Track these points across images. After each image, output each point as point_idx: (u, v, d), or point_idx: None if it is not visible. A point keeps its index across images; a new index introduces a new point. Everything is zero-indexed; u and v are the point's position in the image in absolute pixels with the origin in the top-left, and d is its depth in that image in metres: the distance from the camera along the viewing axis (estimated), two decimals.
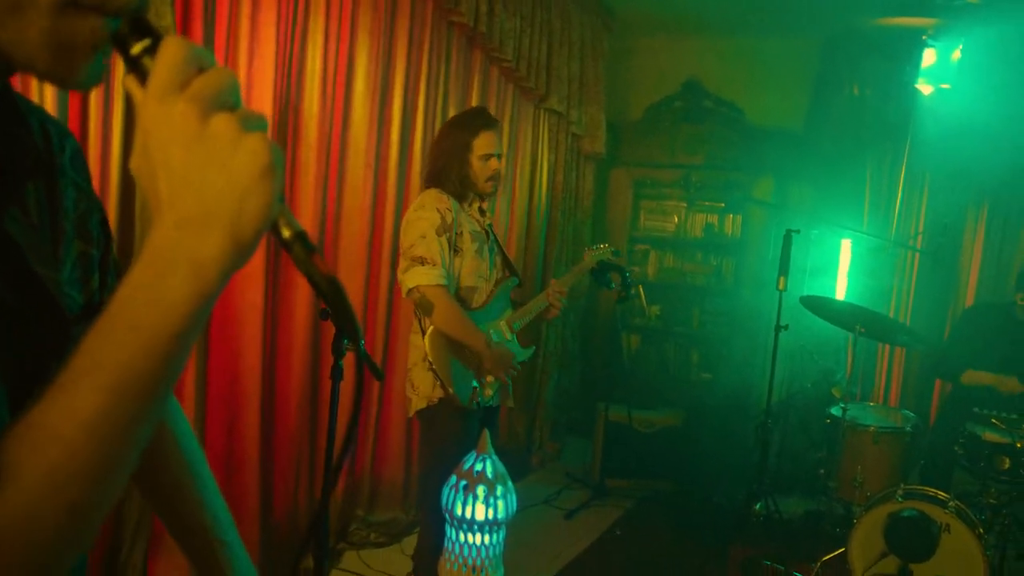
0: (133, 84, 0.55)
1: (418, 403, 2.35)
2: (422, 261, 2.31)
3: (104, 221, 0.79)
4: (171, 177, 0.52)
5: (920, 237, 4.41)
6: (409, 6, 3.02)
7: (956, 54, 4.01)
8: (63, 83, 0.57)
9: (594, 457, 4.22)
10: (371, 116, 2.87)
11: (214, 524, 0.86)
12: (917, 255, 4.42)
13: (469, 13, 3.20)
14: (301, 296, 2.68)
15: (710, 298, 4.83)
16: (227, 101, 0.52)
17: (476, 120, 2.52)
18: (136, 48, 0.54)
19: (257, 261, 2.47)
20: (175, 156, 0.51)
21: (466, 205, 2.49)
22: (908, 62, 4.28)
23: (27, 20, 0.53)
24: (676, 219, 4.88)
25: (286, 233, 0.54)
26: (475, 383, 2.37)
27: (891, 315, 4.38)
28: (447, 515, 0.89)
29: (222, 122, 0.51)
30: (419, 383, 2.36)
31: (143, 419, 0.53)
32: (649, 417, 4.19)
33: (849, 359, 4.19)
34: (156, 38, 0.55)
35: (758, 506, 3.60)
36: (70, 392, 0.51)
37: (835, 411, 3.32)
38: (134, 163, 0.55)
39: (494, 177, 2.49)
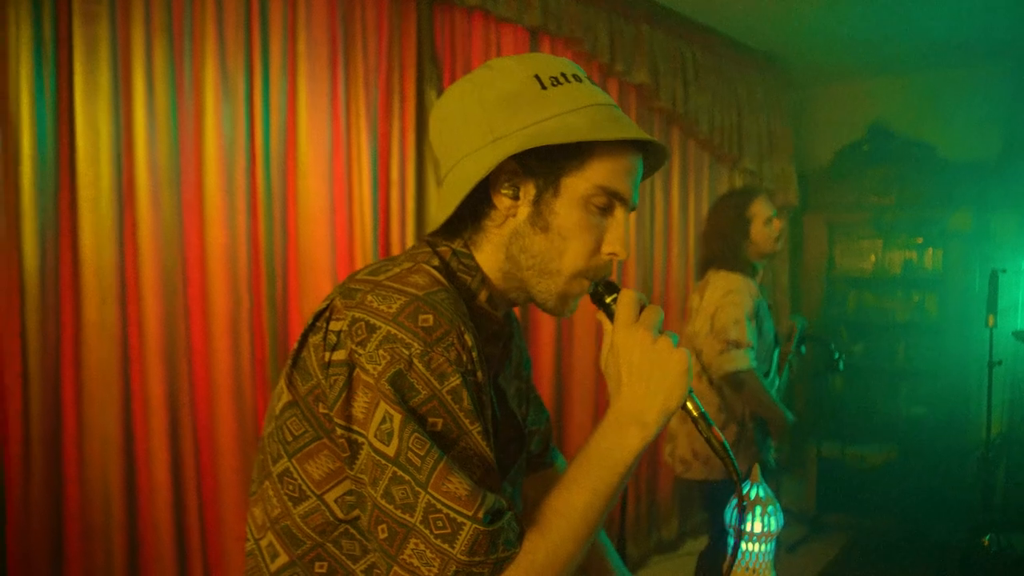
0: (603, 317, 0.97)
1: (707, 473, 2.64)
2: (737, 345, 2.53)
3: (528, 361, 1.22)
4: (631, 371, 0.89)
5: None
6: (616, 97, 3.56)
7: None
8: (556, 314, 0.99)
9: (807, 493, 4.45)
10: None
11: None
12: None
13: (667, 98, 3.71)
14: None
15: (915, 333, 4.92)
16: (660, 324, 0.92)
17: (744, 193, 2.79)
18: (609, 299, 0.97)
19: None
20: (635, 359, 0.89)
21: (757, 282, 2.69)
22: None
23: (553, 282, 0.96)
24: (873, 258, 5.05)
25: (694, 412, 0.91)
26: (770, 446, 2.72)
27: None
28: (731, 529, 1.20)
29: (664, 342, 0.89)
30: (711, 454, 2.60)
31: (604, 512, 0.88)
32: (861, 453, 4.37)
33: None
34: (618, 291, 0.96)
35: (986, 538, 3.64)
36: (570, 491, 0.87)
37: None
38: (603, 362, 0.95)
39: (780, 235, 2.68)
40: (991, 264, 3.81)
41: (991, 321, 3.58)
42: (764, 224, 2.67)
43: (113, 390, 2.17)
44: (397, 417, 0.80)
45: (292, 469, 0.89)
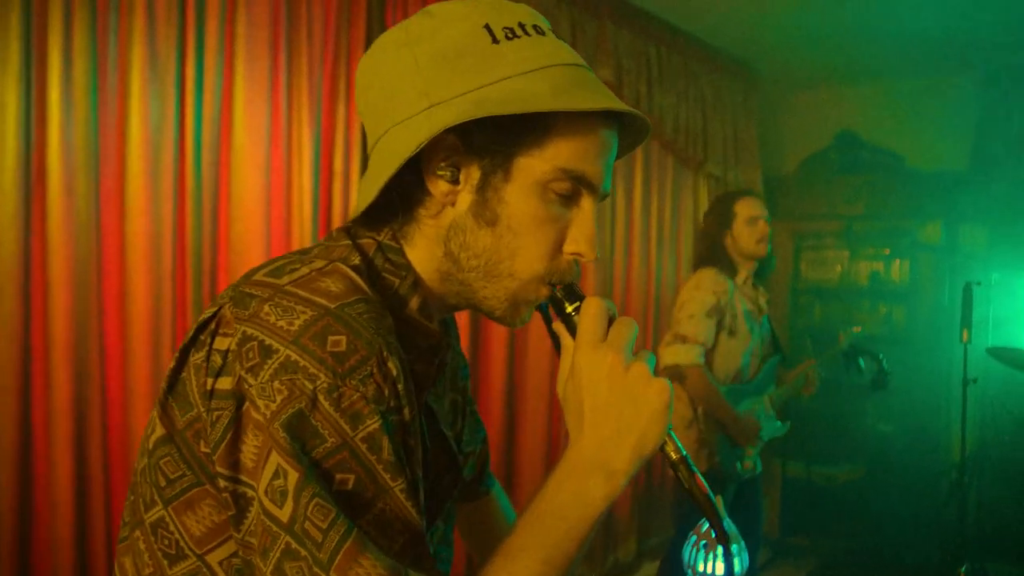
0: (562, 330, 0.83)
1: None
2: (683, 339, 2.60)
3: (466, 368, 1.07)
4: (596, 405, 0.74)
5: None
6: None
7: None
8: (506, 323, 0.85)
9: (771, 514, 4.40)
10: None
11: None
12: None
13: (631, 96, 3.66)
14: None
15: (882, 346, 4.90)
16: (632, 343, 0.77)
17: (734, 193, 2.87)
18: (570, 308, 0.82)
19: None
20: (602, 391, 0.74)
21: (740, 281, 2.75)
22: None
23: (502, 286, 0.82)
24: (839, 268, 5.06)
25: (673, 456, 0.76)
26: (738, 451, 2.69)
27: None
28: (690, 571, 1.13)
29: (638, 369, 0.75)
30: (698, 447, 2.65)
31: None
32: (828, 471, 4.34)
33: None
34: (581, 299, 0.81)
35: (963, 570, 3.52)
36: (514, 561, 0.71)
37: None
38: (562, 389, 0.80)
39: (764, 239, 2.72)
40: (961, 277, 3.81)
41: (965, 336, 3.52)
42: (746, 223, 2.71)
43: (9, 394, 2.02)
44: (293, 475, 0.65)
45: (168, 520, 0.74)
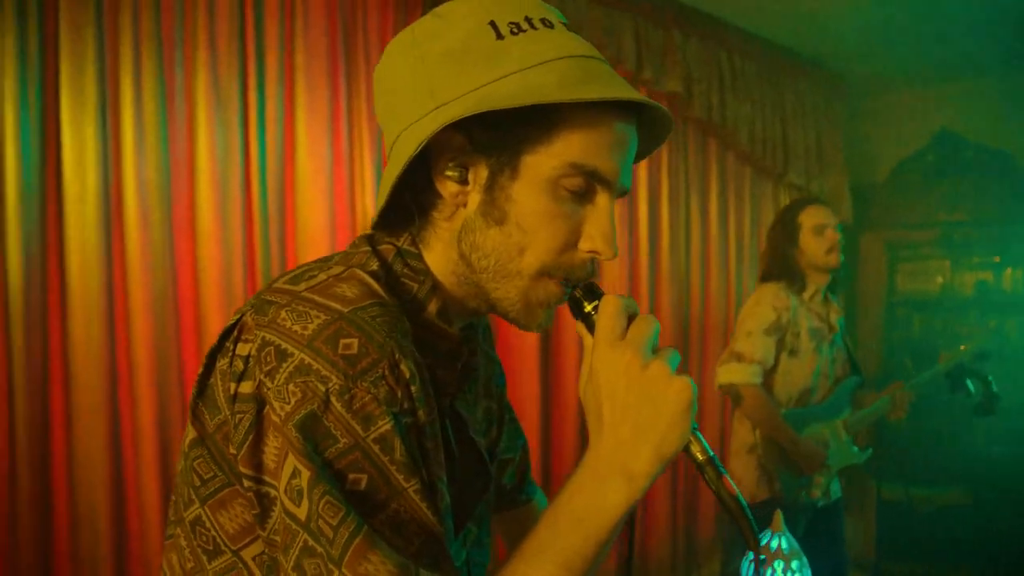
0: (583, 330, 0.82)
1: (750, 497, 2.54)
2: (739, 358, 2.54)
3: (502, 375, 1.09)
4: (614, 406, 0.74)
5: None
6: None
7: None
8: (524, 327, 0.85)
9: (866, 537, 4.23)
10: (622, 215, 3.35)
11: None
12: None
13: (702, 107, 3.62)
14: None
15: (993, 363, 4.62)
16: (653, 341, 0.76)
17: (798, 202, 2.77)
18: (589, 307, 0.81)
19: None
20: (619, 391, 0.74)
21: (807, 297, 2.65)
22: None
23: (513, 285, 0.82)
24: (940, 279, 4.81)
25: (699, 457, 0.75)
26: (804, 480, 2.57)
27: None
28: None
29: (657, 367, 0.73)
30: (742, 475, 2.59)
31: None
32: (929, 495, 4.13)
33: None
34: (600, 297, 0.80)
35: None
36: (530, 564, 0.72)
37: None
38: (582, 389, 0.79)
39: (834, 248, 2.60)
40: None
41: None
42: (813, 233, 2.61)
43: (100, 415, 2.17)
44: (306, 474, 0.68)
45: (205, 518, 0.79)
